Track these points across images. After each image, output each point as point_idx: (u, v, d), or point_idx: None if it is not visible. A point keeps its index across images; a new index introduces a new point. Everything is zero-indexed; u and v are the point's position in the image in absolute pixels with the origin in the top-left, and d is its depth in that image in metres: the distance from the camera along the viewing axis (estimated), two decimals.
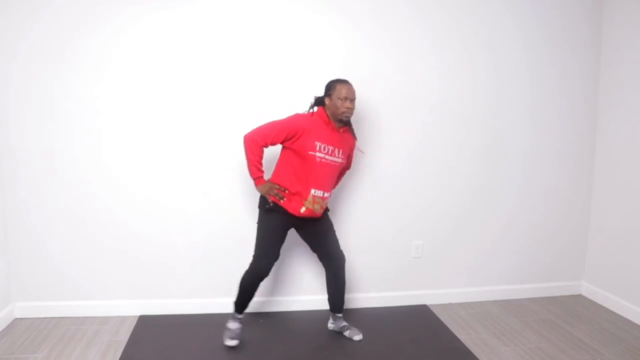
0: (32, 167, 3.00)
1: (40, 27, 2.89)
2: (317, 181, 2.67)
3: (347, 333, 2.91)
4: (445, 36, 3.27)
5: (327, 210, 2.88)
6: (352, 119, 2.82)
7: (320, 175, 2.67)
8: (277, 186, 2.69)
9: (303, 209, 2.67)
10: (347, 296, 3.30)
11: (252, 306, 3.19)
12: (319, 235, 2.85)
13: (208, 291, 3.19)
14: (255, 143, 2.66)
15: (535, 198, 3.53)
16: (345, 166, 2.95)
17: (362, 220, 3.32)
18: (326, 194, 2.74)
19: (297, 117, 2.71)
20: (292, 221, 2.75)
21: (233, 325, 2.84)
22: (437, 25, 3.26)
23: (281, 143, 2.68)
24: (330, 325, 3.00)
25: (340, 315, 2.97)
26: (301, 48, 3.12)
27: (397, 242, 3.39)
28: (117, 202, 3.08)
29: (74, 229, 3.07)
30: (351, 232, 3.31)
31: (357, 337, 2.88)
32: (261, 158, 2.70)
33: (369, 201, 3.31)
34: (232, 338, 2.77)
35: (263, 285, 3.20)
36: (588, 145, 3.56)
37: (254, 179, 2.70)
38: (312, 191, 2.66)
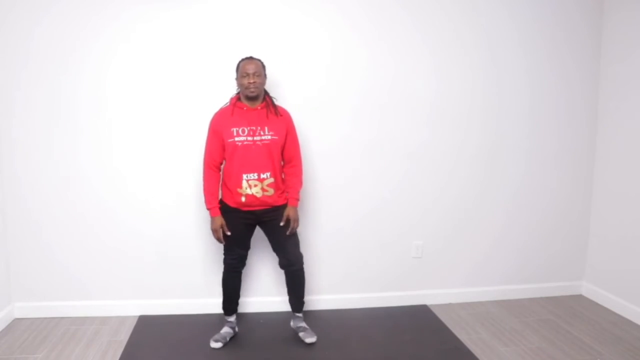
0: (33, 167, 3.00)
1: (45, 28, 2.91)
2: (245, 165, 2.61)
3: (301, 334, 2.84)
4: (444, 38, 3.27)
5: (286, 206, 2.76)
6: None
7: (247, 159, 2.61)
8: (221, 230, 2.70)
9: (243, 198, 2.63)
10: (347, 296, 3.33)
11: (253, 306, 3.21)
12: (275, 233, 2.77)
13: (208, 291, 3.19)
14: (205, 168, 2.73)
15: (535, 198, 3.53)
16: (289, 147, 2.74)
17: (362, 220, 3.32)
18: (264, 175, 2.62)
19: (211, 120, 2.73)
20: (251, 216, 2.70)
21: (224, 329, 2.86)
22: (436, 27, 3.25)
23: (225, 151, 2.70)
24: (291, 323, 2.96)
25: (299, 315, 2.93)
26: (299, 50, 3.12)
27: (398, 242, 3.39)
28: (117, 202, 3.08)
29: (74, 229, 3.07)
30: (351, 232, 3.31)
31: (310, 339, 2.80)
32: (215, 184, 2.73)
33: (370, 201, 3.31)
34: (217, 340, 2.77)
35: (263, 285, 3.22)
36: (588, 146, 3.55)
37: (208, 210, 2.74)
38: (244, 176, 2.61)
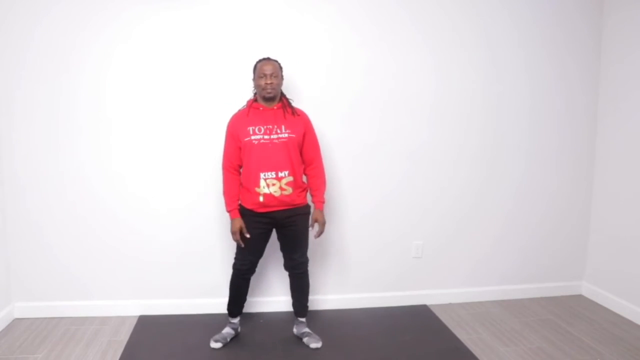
0: (33, 167, 3.00)
1: (45, 28, 2.90)
2: (263, 164, 2.59)
3: (305, 340, 2.81)
4: (444, 38, 3.27)
5: (307, 209, 2.76)
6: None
7: (264, 157, 2.60)
8: (240, 232, 2.67)
9: (261, 198, 2.61)
10: (347, 296, 3.34)
11: (253, 306, 3.20)
12: (290, 237, 2.75)
13: (208, 291, 3.19)
14: (224, 170, 2.73)
15: (536, 198, 3.53)
16: (308, 148, 2.74)
17: (362, 220, 3.32)
18: (282, 173, 2.60)
19: (228, 124, 2.73)
20: (269, 219, 2.68)
21: (225, 329, 2.85)
22: (436, 27, 3.25)
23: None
24: (294, 329, 2.93)
25: (302, 320, 2.91)
26: (300, 51, 3.12)
27: (398, 242, 3.39)
28: (117, 202, 3.08)
29: (74, 229, 3.07)
30: (351, 232, 3.31)
31: (315, 344, 2.77)
32: (234, 187, 2.70)
33: (370, 201, 3.31)
34: (217, 340, 2.77)
35: (264, 285, 3.22)
36: (588, 146, 3.56)
37: (228, 212, 2.72)
38: (262, 175, 2.59)
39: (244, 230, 2.68)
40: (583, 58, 3.47)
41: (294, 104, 2.80)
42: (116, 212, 3.09)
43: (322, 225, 2.79)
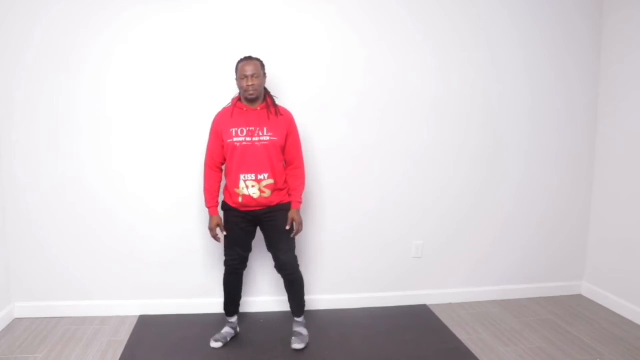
0: (33, 167, 3.00)
1: (45, 28, 2.90)
2: (243, 166, 2.60)
3: (292, 339, 2.80)
4: (444, 38, 3.27)
5: (288, 207, 2.72)
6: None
7: (245, 160, 2.60)
8: (218, 229, 2.71)
9: (240, 199, 2.63)
10: (347, 296, 3.34)
11: (252, 306, 3.21)
12: (271, 233, 2.74)
13: (208, 291, 3.19)
14: (206, 167, 2.74)
15: (535, 198, 3.53)
16: (290, 149, 2.72)
17: (362, 220, 3.32)
18: (261, 176, 2.60)
19: (213, 121, 2.73)
20: (250, 217, 2.69)
21: (225, 329, 2.86)
22: (436, 27, 3.25)
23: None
24: (293, 327, 2.92)
25: (298, 319, 2.88)
26: (300, 51, 3.12)
27: (398, 242, 3.39)
28: (117, 202, 3.08)
29: (74, 229, 3.07)
30: (351, 232, 3.31)
31: (296, 345, 2.75)
32: (215, 184, 2.73)
33: (370, 201, 3.31)
34: (217, 340, 2.78)
35: (263, 285, 3.22)
36: (588, 146, 3.56)
37: (207, 209, 2.75)
38: (242, 177, 2.60)
39: (221, 227, 2.73)
40: (583, 58, 3.47)
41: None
42: (116, 212, 3.09)
43: (299, 224, 2.75)
